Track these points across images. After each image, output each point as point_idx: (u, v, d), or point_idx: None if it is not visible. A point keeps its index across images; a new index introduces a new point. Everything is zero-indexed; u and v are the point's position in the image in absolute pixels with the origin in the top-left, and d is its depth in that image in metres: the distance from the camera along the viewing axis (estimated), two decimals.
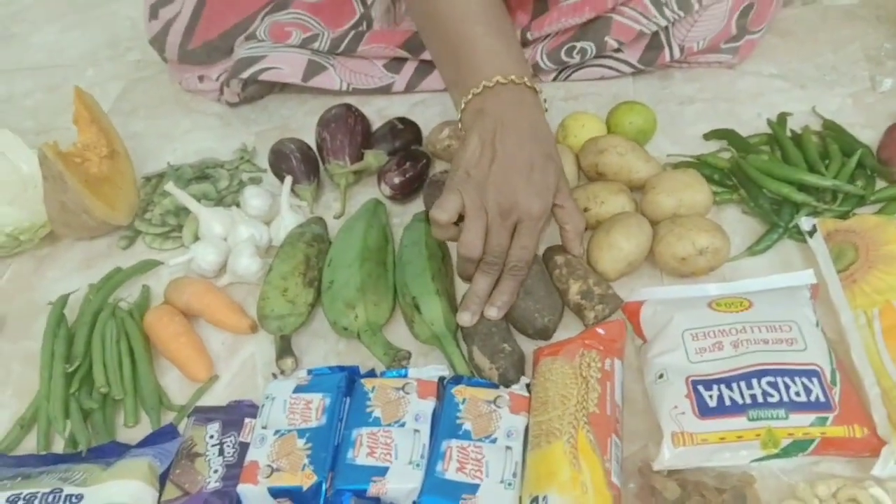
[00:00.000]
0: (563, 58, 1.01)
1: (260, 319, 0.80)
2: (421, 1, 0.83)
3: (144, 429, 0.75)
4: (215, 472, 0.68)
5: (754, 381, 0.64)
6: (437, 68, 0.87)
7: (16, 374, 0.83)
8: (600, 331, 0.71)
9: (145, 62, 1.25)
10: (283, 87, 1.13)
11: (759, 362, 0.65)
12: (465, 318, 0.74)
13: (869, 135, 0.89)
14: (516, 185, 0.71)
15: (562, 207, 0.75)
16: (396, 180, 0.90)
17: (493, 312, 0.73)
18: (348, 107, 0.97)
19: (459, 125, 0.78)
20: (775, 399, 0.63)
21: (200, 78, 1.12)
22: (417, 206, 0.91)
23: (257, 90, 1.12)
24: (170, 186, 0.91)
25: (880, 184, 0.84)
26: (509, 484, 0.62)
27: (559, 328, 0.77)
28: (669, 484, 0.62)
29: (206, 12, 1.06)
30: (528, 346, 0.76)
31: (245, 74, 1.05)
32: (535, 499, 0.60)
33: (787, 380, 0.63)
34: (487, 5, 0.79)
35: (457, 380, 0.71)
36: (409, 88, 1.07)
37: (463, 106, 0.76)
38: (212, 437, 0.70)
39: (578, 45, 1.00)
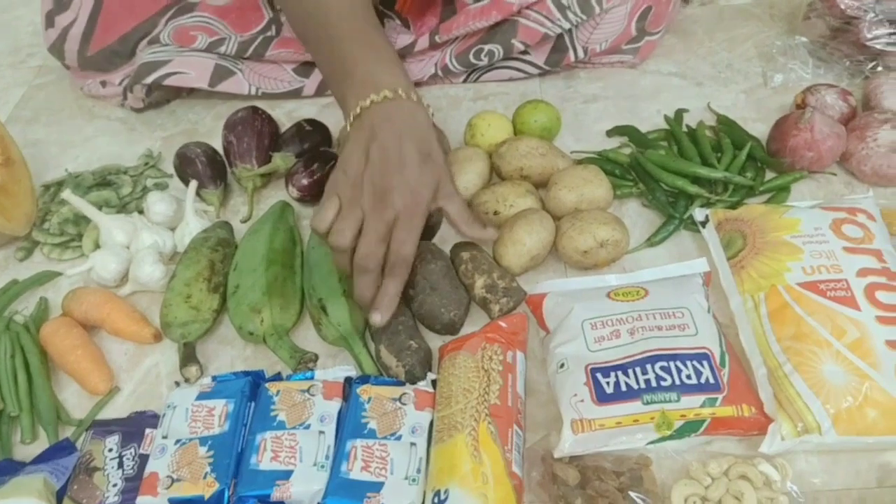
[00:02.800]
0: (472, 60, 1.03)
1: (163, 327, 0.78)
2: (300, 25, 0.85)
3: (43, 445, 0.72)
4: (114, 485, 0.66)
5: (648, 367, 0.66)
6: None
7: None
8: (503, 324, 0.72)
9: (47, 68, 1.21)
10: (191, 92, 1.11)
11: (654, 348, 0.67)
12: (375, 319, 0.71)
13: (760, 128, 0.93)
14: (390, 181, 0.71)
15: (447, 207, 0.74)
16: (304, 182, 0.90)
17: (377, 318, 0.70)
18: (255, 109, 0.96)
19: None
20: (668, 383, 0.65)
21: (103, 83, 1.09)
22: None
23: (163, 95, 1.10)
24: (66, 194, 0.88)
25: (770, 175, 0.88)
26: (413, 480, 0.63)
27: (466, 323, 0.78)
28: (570, 470, 0.63)
29: (102, 18, 1.04)
30: (436, 341, 0.76)
31: (149, 80, 1.02)
32: (438, 492, 0.61)
33: (679, 363, 0.66)
34: (362, 26, 0.80)
35: (363, 379, 0.71)
36: (320, 92, 1.07)
37: (350, 123, 0.76)
38: (111, 450, 0.69)
39: (486, 47, 1.01)
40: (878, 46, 0.93)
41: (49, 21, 1.07)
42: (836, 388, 0.63)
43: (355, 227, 0.70)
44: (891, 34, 0.93)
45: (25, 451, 0.72)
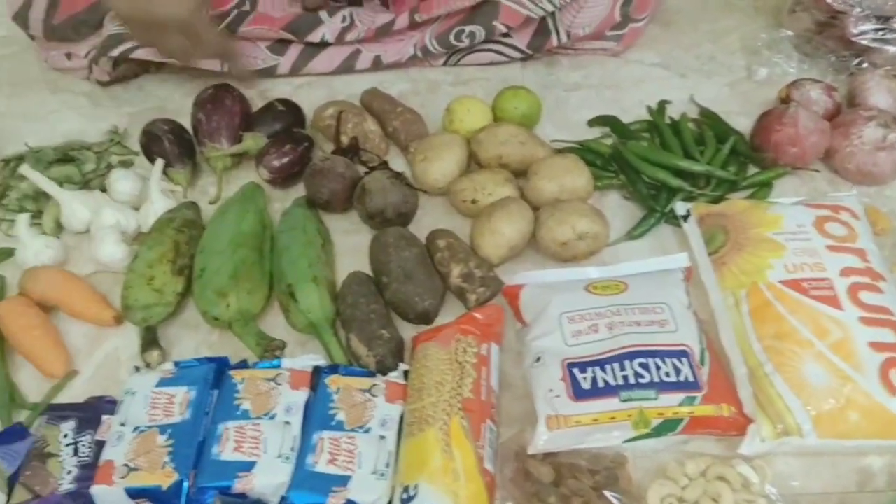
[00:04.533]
0: (453, 42, 1.00)
1: (124, 310, 0.75)
2: None
3: None
4: (69, 472, 0.63)
5: (627, 363, 0.64)
6: None
7: None
8: (477, 316, 0.70)
9: (10, 39, 1.15)
10: (161, 67, 1.06)
11: (632, 344, 0.65)
12: None
13: (744, 122, 0.91)
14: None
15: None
16: (275, 163, 0.87)
17: None
18: (226, 87, 0.93)
19: None
20: (646, 380, 0.63)
21: (68, 55, 1.05)
22: (299, 190, 0.88)
23: (130, 69, 1.05)
24: (25, 169, 0.84)
25: (754, 170, 0.86)
26: (381, 474, 0.61)
27: (441, 313, 0.76)
28: (543, 468, 0.61)
29: None
30: (409, 331, 0.74)
31: (115, 52, 0.98)
32: (406, 488, 0.59)
33: (658, 361, 0.64)
34: None
35: (332, 369, 0.69)
36: (294, 71, 1.04)
37: None
38: (66, 436, 0.66)
39: (467, 28, 0.99)
40: (864, 42, 0.93)
41: None
42: (818, 389, 0.62)
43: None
44: (877, 30, 0.92)
45: None
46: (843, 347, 0.63)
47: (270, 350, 0.71)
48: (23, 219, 0.81)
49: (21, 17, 1.03)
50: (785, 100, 0.89)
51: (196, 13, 0.85)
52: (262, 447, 0.62)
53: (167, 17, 0.83)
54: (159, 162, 0.87)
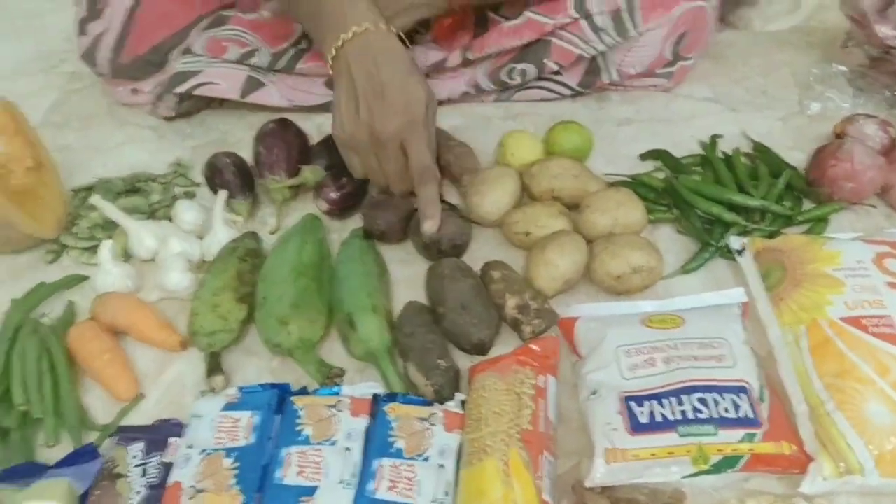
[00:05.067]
0: (504, 79, 1.02)
1: (190, 335, 0.78)
2: None
3: (66, 449, 0.72)
4: (137, 493, 0.65)
5: (685, 398, 0.64)
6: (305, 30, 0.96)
7: None
8: (534, 347, 0.70)
9: (79, 74, 1.21)
10: (223, 102, 1.10)
11: (690, 378, 0.66)
12: (426, 227, 0.80)
13: (797, 157, 0.92)
14: (378, 112, 0.77)
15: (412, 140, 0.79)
16: (333, 195, 0.89)
17: (428, 225, 0.79)
18: (285, 121, 0.96)
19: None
20: (705, 415, 0.63)
21: (134, 91, 1.09)
22: (356, 221, 0.90)
23: (194, 105, 1.10)
24: (96, 199, 0.88)
25: (809, 205, 0.86)
26: (441, 503, 0.61)
27: (497, 343, 0.77)
28: (602, 501, 0.62)
29: (134, 27, 1.04)
30: (465, 361, 0.75)
31: (180, 89, 1.03)
32: None
33: (717, 396, 0.64)
34: None
35: (391, 397, 0.70)
36: None
37: (329, 61, 0.82)
38: (135, 457, 0.68)
39: (518, 66, 1.01)
40: None
41: (82, 29, 1.07)
42: (881, 428, 0.61)
43: (371, 163, 0.81)
44: None
45: (47, 455, 0.72)
46: None
47: (331, 377, 0.73)
48: (106, 246, 0.84)
49: (88, 57, 1.08)
50: (840, 135, 0.89)
51: (427, 118, 0.81)
52: (324, 473, 0.63)
53: (395, 130, 0.78)
54: (222, 193, 0.90)
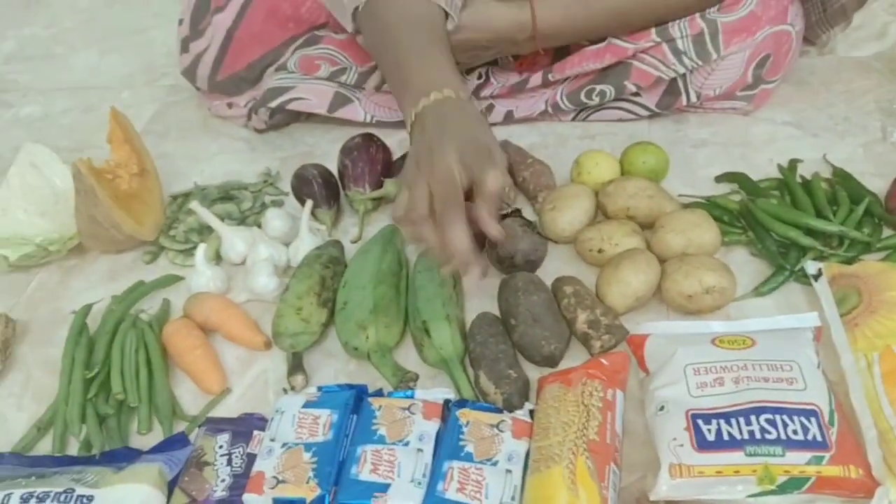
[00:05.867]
0: (583, 99, 1.05)
1: (274, 336, 0.82)
2: (373, 38, 0.95)
3: (157, 437, 0.77)
4: (222, 481, 0.70)
5: (753, 418, 0.65)
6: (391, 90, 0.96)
7: (36, 380, 0.85)
8: (604, 361, 0.72)
9: (178, 87, 1.30)
10: (309, 116, 1.16)
11: (759, 399, 0.66)
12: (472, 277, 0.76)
13: (878, 184, 0.90)
14: (430, 167, 0.75)
15: (485, 180, 0.74)
16: None
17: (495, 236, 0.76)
18: (370, 136, 1.01)
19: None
20: (773, 436, 0.64)
21: (229, 105, 1.16)
22: None
23: (284, 118, 1.16)
24: (194, 205, 0.94)
25: (888, 232, 0.85)
26: None
27: (566, 357, 0.78)
28: None
29: (232, 46, 1.11)
30: (534, 373, 0.77)
31: (274, 104, 1.09)
32: None
33: (786, 418, 0.64)
34: (426, 41, 0.88)
35: (462, 403, 0.73)
36: None
37: (411, 124, 0.83)
38: (221, 447, 0.72)
39: (598, 87, 1.03)
40: None
41: (184, 47, 1.15)
42: None
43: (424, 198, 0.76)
44: None
45: (141, 441, 0.77)
46: None
47: (405, 381, 0.76)
48: (201, 249, 0.90)
49: (189, 73, 1.16)
50: None
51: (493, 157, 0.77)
52: (397, 471, 0.66)
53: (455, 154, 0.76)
54: (309, 203, 0.95)
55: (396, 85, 0.90)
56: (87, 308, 0.89)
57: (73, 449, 0.77)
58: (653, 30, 0.97)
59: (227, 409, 0.79)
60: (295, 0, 1.13)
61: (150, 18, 1.55)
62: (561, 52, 1.06)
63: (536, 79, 1.05)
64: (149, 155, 1.03)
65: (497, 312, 0.82)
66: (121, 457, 0.73)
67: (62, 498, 0.67)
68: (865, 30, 1.19)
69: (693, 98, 1.02)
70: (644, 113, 1.06)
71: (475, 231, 0.88)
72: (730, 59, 0.98)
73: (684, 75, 1.00)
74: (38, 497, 0.67)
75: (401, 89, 0.87)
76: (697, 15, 0.96)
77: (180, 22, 1.15)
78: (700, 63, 0.97)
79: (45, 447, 0.78)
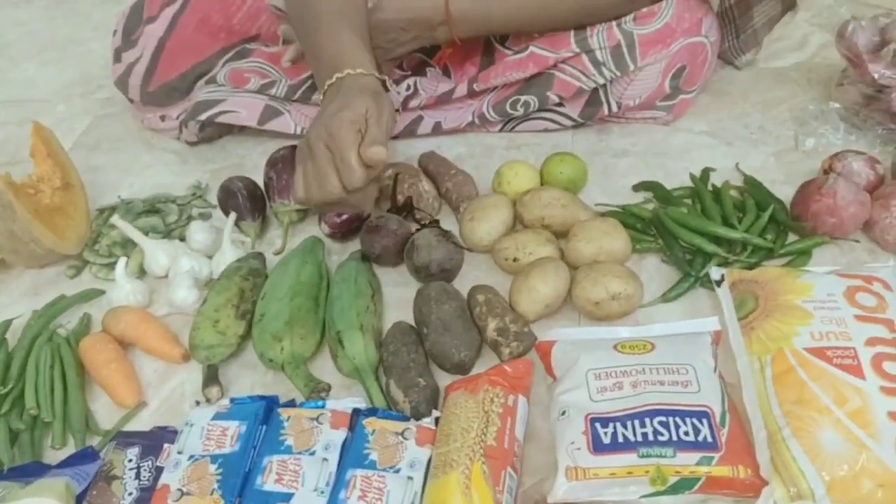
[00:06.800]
0: (508, 110, 1.07)
1: (190, 348, 0.83)
2: (294, 8, 0.99)
3: (71, 451, 0.77)
4: (130, 494, 0.70)
5: (647, 420, 0.67)
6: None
7: None
8: (508, 368, 0.74)
9: (113, 100, 1.30)
10: (242, 129, 1.17)
11: (654, 402, 0.68)
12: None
13: (788, 191, 0.93)
14: (313, 135, 0.80)
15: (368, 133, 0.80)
16: (336, 220, 0.94)
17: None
18: (296, 148, 1.01)
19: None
20: (665, 438, 0.65)
21: (162, 117, 1.17)
22: (357, 244, 0.95)
23: (216, 130, 1.16)
24: (115, 219, 0.94)
25: (794, 238, 0.88)
26: None
27: (478, 364, 0.80)
28: None
29: (164, 56, 1.12)
30: (447, 381, 0.78)
31: (203, 116, 1.09)
32: None
33: (678, 419, 0.66)
34: (339, 17, 0.92)
35: (371, 412, 0.74)
36: None
37: (321, 96, 0.88)
38: (130, 460, 0.73)
39: (522, 98, 1.05)
40: None
41: (116, 57, 1.15)
42: (833, 455, 0.62)
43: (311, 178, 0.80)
44: None
45: (54, 456, 0.77)
46: (862, 416, 0.64)
47: (317, 391, 0.77)
48: (121, 263, 0.90)
49: (122, 83, 1.16)
50: (827, 170, 0.91)
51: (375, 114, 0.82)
52: (301, 480, 0.67)
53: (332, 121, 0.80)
54: (232, 216, 0.96)
55: (311, 60, 0.96)
56: (7, 323, 0.89)
57: None
58: (572, 40, 0.99)
59: (143, 422, 0.80)
60: (226, 11, 1.14)
61: (89, 31, 1.55)
62: (487, 63, 1.08)
63: (462, 88, 1.07)
64: (74, 169, 1.02)
65: (413, 322, 0.84)
66: (29, 472, 0.73)
67: None
68: (786, 41, 1.22)
69: (614, 108, 1.05)
70: (568, 123, 1.09)
71: (396, 240, 0.90)
72: (646, 69, 1.00)
73: (605, 86, 1.02)
74: None
75: (315, 65, 0.94)
76: (615, 25, 0.98)
77: (114, 33, 1.16)
78: (618, 74, 1.00)
79: None
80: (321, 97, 0.88)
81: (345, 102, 0.81)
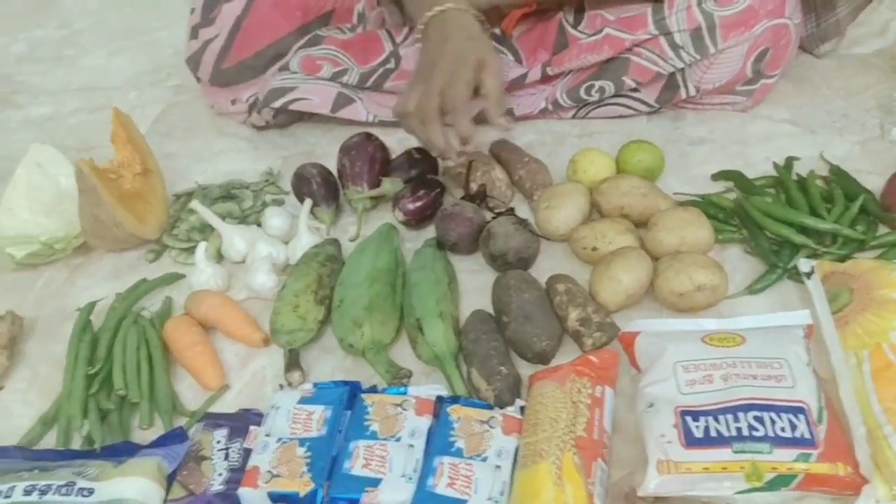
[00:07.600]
0: (583, 96, 1.05)
1: (271, 333, 0.84)
2: None
3: (158, 432, 0.79)
4: (219, 475, 0.71)
5: (741, 415, 0.65)
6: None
7: (42, 376, 0.87)
8: (593, 358, 0.73)
9: (184, 88, 1.31)
10: (312, 116, 1.17)
11: (747, 396, 0.67)
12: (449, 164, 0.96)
13: (875, 181, 0.90)
14: (437, 57, 0.89)
15: (486, 80, 0.88)
16: (410, 206, 0.94)
17: (452, 155, 0.92)
18: (368, 135, 1.02)
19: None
20: (760, 433, 0.64)
21: (233, 101, 1.17)
22: (430, 232, 0.95)
23: (287, 118, 1.17)
24: (195, 204, 0.96)
25: (884, 230, 0.85)
26: (496, 501, 0.65)
27: (558, 354, 0.79)
28: None
29: (240, 35, 1.13)
30: (527, 369, 0.78)
31: (277, 104, 1.10)
32: None
33: (774, 415, 0.65)
34: None
35: (454, 399, 0.74)
36: None
37: (419, 32, 0.95)
38: (219, 442, 0.74)
39: (597, 83, 1.03)
40: None
41: (193, 34, 1.16)
42: None
43: (416, 98, 0.89)
44: None
45: (142, 436, 0.79)
46: None
47: (399, 378, 0.77)
48: (201, 247, 0.92)
49: (194, 60, 1.17)
50: None
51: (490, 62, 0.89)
52: (388, 466, 0.68)
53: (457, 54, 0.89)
54: (308, 202, 0.97)
55: (413, 6, 1.01)
56: (91, 305, 0.91)
57: (78, 443, 0.79)
58: (650, 21, 0.97)
59: (226, 404, 0.81)
60: None
61: (157, 20, 1.56)
62: (560, 47, 1.06)
63: (535, 73, 1.06)
64: (152, 155, 1.04)
65: (491, 310, 0.83)
66: (121, 451, 0.75)
67: (63, 490, 0.69)
68: (867, 27, 1.18)
69: (692, 91, 1.02)
70: (644, 108, 1.07)
71: (472, 228, 0.89)
72: (728, 52, 0.98)
73: (682, 69, 1.00)
74: (40, 489, 0.69)
75: (413, 6, 1.01)
76: (695, 5, 0.96)
77: (192, 11, 1.17)
78: (698, 57, 0.97)
79: (49, 441, 0.80)
80: (421, 27, 0.94)
81: (471, 34, 0.91)
